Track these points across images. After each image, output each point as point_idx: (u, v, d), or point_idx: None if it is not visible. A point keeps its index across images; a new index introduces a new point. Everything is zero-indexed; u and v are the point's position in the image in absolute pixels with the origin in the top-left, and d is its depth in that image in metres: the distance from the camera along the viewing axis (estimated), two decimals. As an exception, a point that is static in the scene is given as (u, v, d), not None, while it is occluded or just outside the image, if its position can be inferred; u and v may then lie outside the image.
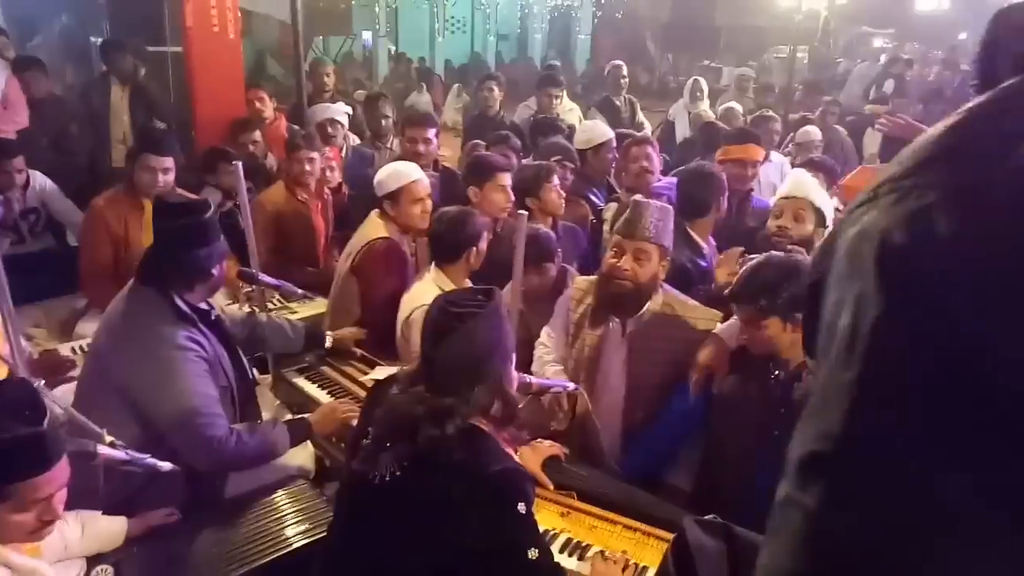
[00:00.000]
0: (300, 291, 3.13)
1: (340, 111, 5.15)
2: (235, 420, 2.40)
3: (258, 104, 5.30)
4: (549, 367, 2.71)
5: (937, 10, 15.91)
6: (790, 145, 5.58)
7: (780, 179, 4.17)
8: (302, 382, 3.01)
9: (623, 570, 1.91)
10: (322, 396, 2.89)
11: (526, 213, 2.60)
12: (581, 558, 2.02)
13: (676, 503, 2.24)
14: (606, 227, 3.75)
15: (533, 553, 1.58)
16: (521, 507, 1.59)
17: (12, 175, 3.92)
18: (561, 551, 2.02)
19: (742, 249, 2.99)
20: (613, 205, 3.93)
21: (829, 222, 2.97)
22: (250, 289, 3.52)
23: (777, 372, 2.24)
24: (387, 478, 1.61)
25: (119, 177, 3.98)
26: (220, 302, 2.96)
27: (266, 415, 2.75)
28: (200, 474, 2.28)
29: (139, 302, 2.29)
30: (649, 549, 2.05)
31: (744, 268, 2.25)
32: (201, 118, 5.16)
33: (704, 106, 6.65)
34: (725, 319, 2.51)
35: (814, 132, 5.39)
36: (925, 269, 0.49)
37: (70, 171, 4.95)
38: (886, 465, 0.50)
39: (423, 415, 1.62)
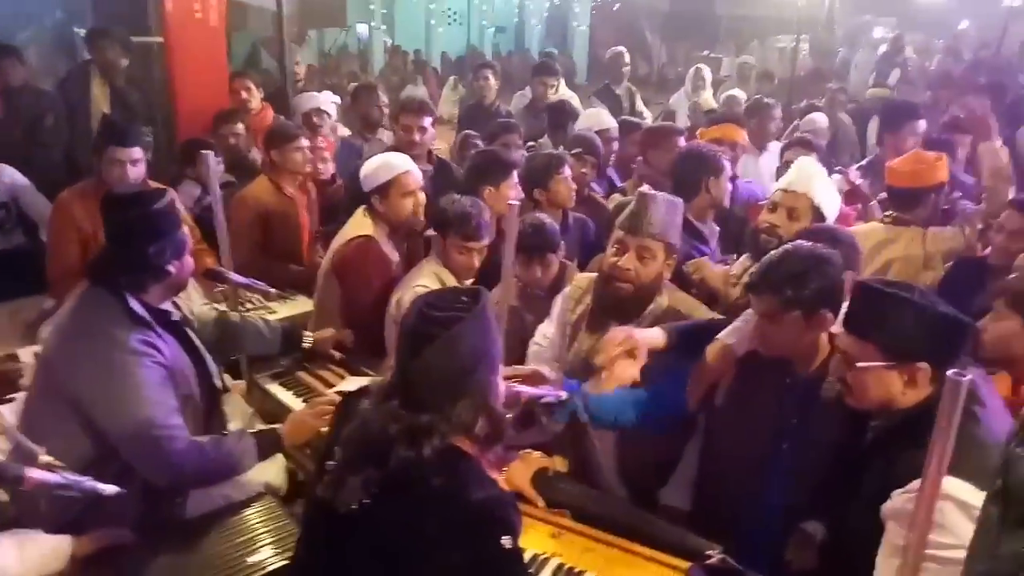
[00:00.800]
0: (273, 291, 2.92)
1: (327, 100, 5.02)
2: (199, 432, 2.18)
3: (244, 94, 5.08)
4: (544, 367, 2.50)
5: (939, -1, 15.77)
6: (794, 135, 5.39)
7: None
8: (276, 388, 2.82)
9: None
10: (297, 404, 2.68)
11: (518, 202, 2.40)
12: (574, 587, 1.83)
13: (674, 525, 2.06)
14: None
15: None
16: (506, 541, 1.40)
17: (-22, 169, 3.73)
18: (551, 580, 1.83)
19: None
20: (617, 197, 3.77)
21: (830, 220, 2.74)
22: (222, 288, 3.31)
23: (789, 379, 2.05)
24: (354, 507, 1.42)
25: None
26: (197, 302, 2.76)
27: (237, 425, 2.54)
28: (158, 491, 2.08)
29: (89, 303, 2.09)
30: (650, 576, 1.86)
31: (766, 256, 2.05)
32: (183, 109, 4.96)
33: (707, 95, 6.59)
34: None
35: (820, 119, 5.22)
36: None
37: (45, 165, 4.74)
38: None
39: (397, 434, 1.43)
